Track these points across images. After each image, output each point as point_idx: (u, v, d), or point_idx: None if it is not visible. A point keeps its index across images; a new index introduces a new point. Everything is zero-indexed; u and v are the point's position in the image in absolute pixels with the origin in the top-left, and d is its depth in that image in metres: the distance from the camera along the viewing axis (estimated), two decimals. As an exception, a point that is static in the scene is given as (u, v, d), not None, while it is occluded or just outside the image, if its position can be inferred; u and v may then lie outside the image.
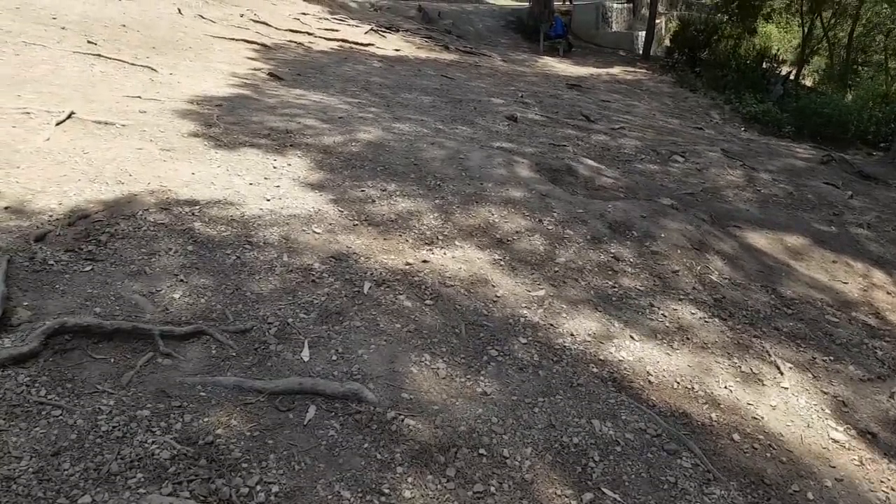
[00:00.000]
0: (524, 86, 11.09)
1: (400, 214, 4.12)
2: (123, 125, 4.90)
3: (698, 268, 4.14)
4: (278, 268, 3.27)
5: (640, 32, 18.65)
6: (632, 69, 14.66)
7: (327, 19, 14.42)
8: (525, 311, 3.27)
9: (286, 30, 12.14)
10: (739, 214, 5.51)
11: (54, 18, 7.94)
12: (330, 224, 3.85)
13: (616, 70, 14.37)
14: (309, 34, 12.35)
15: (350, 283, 3.26)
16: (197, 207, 3.72)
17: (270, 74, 7.81)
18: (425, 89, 8.69)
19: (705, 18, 14.63)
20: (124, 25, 8.67)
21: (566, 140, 7.03)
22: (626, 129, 8.31)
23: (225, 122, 5.37)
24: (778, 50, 14.91)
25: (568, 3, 18.66)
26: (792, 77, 14.38)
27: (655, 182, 6.11)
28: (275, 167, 4.56)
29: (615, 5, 19.03)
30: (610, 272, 3.86)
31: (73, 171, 3.92)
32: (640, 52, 18.22)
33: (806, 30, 15.29)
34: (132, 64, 6.92)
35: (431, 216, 4.16)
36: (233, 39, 9.91)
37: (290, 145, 5.04)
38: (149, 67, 6.93)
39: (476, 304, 3.28)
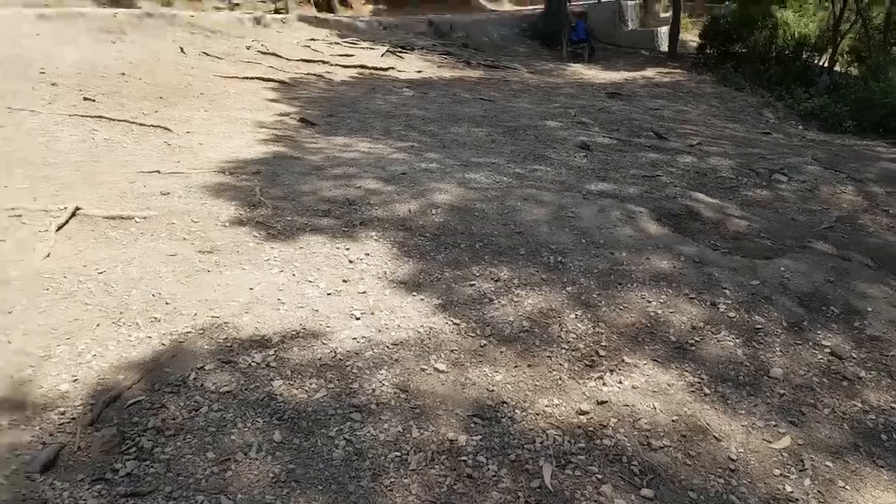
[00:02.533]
0: (565, 100, 9.93)
1: (532, 318, 2.97)
2: (145, 218, 3.77)
3: (935, 355, 2.98)
4: (411, 455, 2.12)
5: (659, 29, 17.51)
6: (665, 70, 13.48)
7: (338, 43, 13.28)
8: (788, 487, 2.11)
9: (299, 60, 11.02)
10: (904, 252, 4.34)
11: (42, 72, 6.80)
12: (452, 350, 2.71)
13: (650, 73, 13.20)
14: (324, 62, 11.22)
15: (520, 468, 2.11)
16: (271, 351, 2.58)
17: (302, 120, 6.67)
18: (472, 118, 7.54)
19: (735, 9, 13.42)
20: (123, 74, 7.54)
21: (655, 167, 5.88)
22: (703, 143, 7.15)
23: (270, 197, 4.23)
24: (812, 38, 13.70)
25: (579, 3, 17.47)
26: (835, 67, 13.19)
27: (784, 216, 4.95)
28: (351, 261, 3.42)
29: (629, 3, 17.90)
30: (844, 383, 2.69)
31: (86, 308, 2.79)
32: (661, 49, 17.07)
33: (837, 11, 14.07)
34: (141, 125, 5.79)
35: (573, 315, 3.01)
36: (246, 78, 8.78)
37: (360, 223, 3.89)
38: (161, 127, 5.80)
39: (710, 479, 2.12)
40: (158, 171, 4.61)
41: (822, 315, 3.15)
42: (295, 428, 2.20)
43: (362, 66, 11.37)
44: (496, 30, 16.88)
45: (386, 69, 11.50)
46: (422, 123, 7.14)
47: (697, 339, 2.88)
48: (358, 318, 2.89)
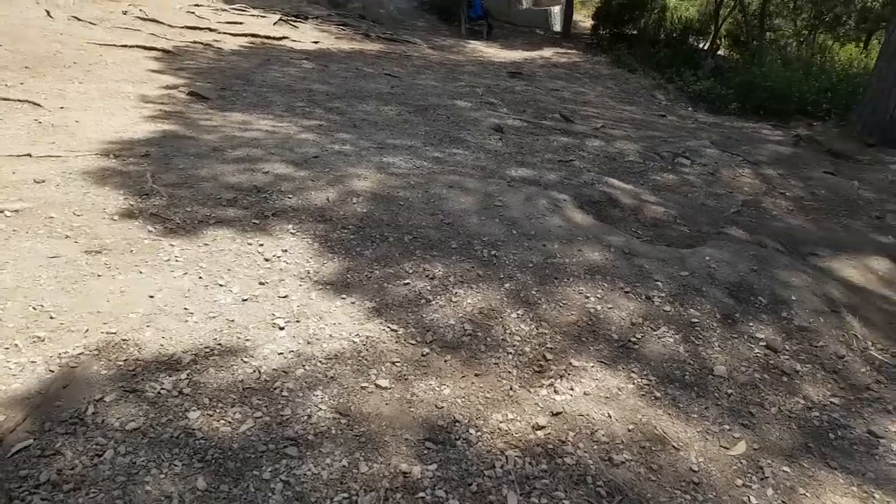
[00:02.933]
0: (469, 78, 9.75)
1: (474, 319, 2.76)
2: (17, 211, 3.17)
3: (853, 341, 3.09)
4: (361, 497, 1.85)
5: (552, 8, 17.69)
6: (562, 51, 13.62)
7: (226, 10, 12.33)
8: (752, 499, 2.05)
9: (183, 27, 10.08)
10: (803, 235, 4.55)
11: None
12: (393, 362, 2.44)
13: (547, 53, 13.27)
14: (211, 30, 10.34)
15: (483, 501, 1.90)
16: (183, 375, 2.20)
17: (192, 94, 6.02)
18: (380, 95, 7.16)
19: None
20: (-20, 38, 6.51)
21: (567, 151, 5.83)
22: (606, 126, 7.23)
23: (164, 184, 3.72)
24: (695, 21, 14.35)
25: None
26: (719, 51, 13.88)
27: (694, 200, 5.05)
28: (267, 259, 3.04)
29: (524, -19, 17.91)
30: (784, 379, 2.71)
31: (-52, 329, 2.26)
32: (555, 29, 17.29)
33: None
34: (4, 99, 4.97)
35: (514, 314, 2.83)
36: (125, 46, 7.87)
37: (273, 214, 3.50)
38: (29, 102, 5.00)
39: (676, 495, 2.02)
40: (29, 155, 3.93)
41: (751, 306, 3.17)
42: (221, 471, 1.86)
43: (253, 35, 10.61)
44: (393, 1, 16.36)
45: (279, 38, 10.80)
46: (326, 99, 6.68)
47: (639, 336, 2.79)
48: (282, 328, 2.55)
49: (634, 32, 13.93)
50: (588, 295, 3.02)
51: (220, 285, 2.78)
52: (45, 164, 3.85)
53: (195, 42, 9.09)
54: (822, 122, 10.26)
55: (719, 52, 14.86)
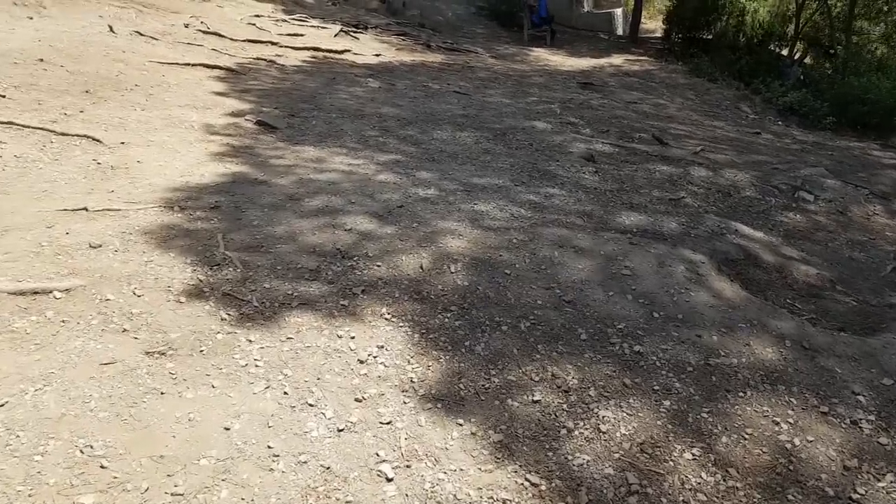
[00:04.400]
0: (539, 92, 9.01)
1: (636, 465, 2.07)
2: (67, 291, 2.64)
3: None
4: None
5: (615, 11, 16.73)
6: (632, 58, 12.71)
7: (286, 21, 11.90)
8: None
9: (244, 40, 9.64)
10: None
11: None
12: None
13: (616, 60, 12.39)
14: (273, 43, 9.89)
15: None
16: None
17: (259, 123, 5.48)
18: (452, 119, 6.51)
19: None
20: (41, 59, 6.12)
21: (674, 185, 5.06)
22: (705, 149, 6.41)
23: (238, 247, 3.15)
24: (775, 25, 13.19)
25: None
26: (804, 59, 12.72)
27: (839, 253, 4.23)
28: (361, 361, 2.42)
29: (586, -17, 17.01)
30: None
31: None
32: (620, 33, 16.33)
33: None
34: (62, 134, 4.51)
35: (687, 454, 2.13)
36: (188, 65, 7.43)
37: (362, 291, 2.88)
38: (88, 137, 4.53)
39: None
40: (86, 209, 3.43)
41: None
42: None
43: (315, 49, 10.11)
44: (451, 8, 15.70)
45: (341, 52, 10.27)
46: (398, 126, 6.06)
47: (860, 488, 2.06)
48: (390, 480, 1.92)
49: (710, 37, 12.89)
50: (776, 419, 2.30)
51: (310, 405, 2.18)
52: (102, 220, 3.33)
53: (258, 59, 8.62)
54: (928, 136, 9.18)
55: (807, 61, 13.68)
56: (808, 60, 12.64)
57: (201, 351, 2.39)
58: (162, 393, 2.17)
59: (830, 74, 10.84)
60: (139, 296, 2.69)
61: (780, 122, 9.42)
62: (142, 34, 8.36)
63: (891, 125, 9.40)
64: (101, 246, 3.05)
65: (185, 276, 2.88)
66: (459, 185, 4.44)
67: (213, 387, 2.22)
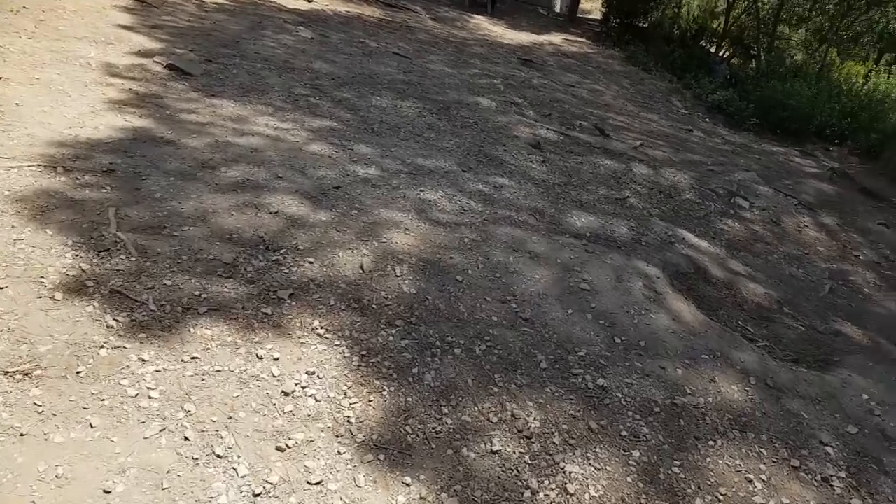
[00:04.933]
0: (481, 64, 8.56)
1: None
2: None
3: None
4: None
5: (555, -14, 16.36)
6: (570, 38, 12.40)
7: (209, -47, 10.64)
8: None
9: (159, -32, 8.49)
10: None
11: None
12: None
13: (555, 38, 12.05)
14: (192, -24, 8.78)
15: None
16: None
17: (171, 68, 4.70)
18: (393, 84, 5.95)
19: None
20: None
21: (619, 183, 4.83)
22: (644, 144, 6.25)
23: (135, 226, 2.56)
24: (707, 21, 13.30)
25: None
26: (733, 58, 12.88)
27: (778, 268, 4.14)
28: (287, 393, 1.96)
29: (529, -46, 16.44)
30: None
31: None
32: (557, 10, 16.02)
33: (730, -3, 13.73)
34: (-83, 57, 3.61)
35: (653, 514, 1.85)
36: (89, -13, 6.37)
37: (290, 295, 2.39)
38: (-47, 65, 3.66)
39: None
40: (-67, 161, 2.68)
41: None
42: None
43: (240, -14, 9.08)
44: (391, -39, 14.73)
45: (270, -7, 9.31)
46: (333, 86, 5.44)
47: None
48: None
49: (646, 26, 12.82)
50: (749, 475, 2.06)
51: (219, 456, 1.70)
52: (-41, 179, 2.62)
53: (174, -10, 7.57)
54: (837, 146, 9.57)
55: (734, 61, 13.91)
56: (734, 60, 12.86)
57: (78, 372, 1.85)
58: (22, 434, 1.62)
59: (755, 76, 11.03)
60: (1, 289, 2.08)
61: (707, 120, 9.47)
62: (34, -57, 7.10)
63: (807, 132, 9.67)
64: (-49, 213, 2.37)
65: (64, 263, 2.27)
66: (403, 165, 3.95)
67: (92, 426, 1.69)
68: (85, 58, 4.51)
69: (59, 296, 2.11)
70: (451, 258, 2.86)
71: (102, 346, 1.96)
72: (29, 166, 2.83)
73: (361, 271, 2.64)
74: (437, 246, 2.94)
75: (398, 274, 2.66)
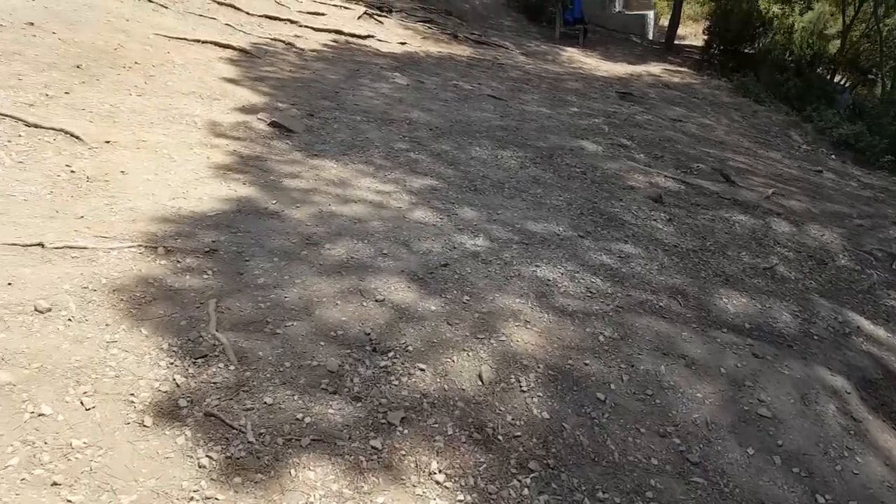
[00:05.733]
0: (578, 101, 8.07)
1: None
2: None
3: None
4: None
5: (648, 14, 15.66)
6: (670, 68, 11.68)
7: (307, -4, 10.81)
8: None
9: (262, 16, 8.63)
10: None
11: None
12: None
13: (654, 69, 11.37)
14: (292, 22, 8.88)
15: None
16: None
17: (273, 125, 4.54)
18: (490, 131, 5.58)
19: (749, 7, 11.64)
20: (32, 23, 5.13)
21: (762, 247, 4.18)
22: (776, 193, 5.51)
23: (235, 322, 2.27)
24: (826, 46, 12.15)
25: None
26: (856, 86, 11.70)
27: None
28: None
29: (621, -19, 15.89)
30: None
31: None
32: (650, 37, 15.29)
33: (849, 18, 12.56)
34: (36, 126, 3.57)
35: None
36: (197, 42, 6.44)
37: (401, 421, 2.00)
38: (66, 133, 3.59)
39: None
40: (42, 245, 2.52)
41: None
42: None
43: (337, 32, 9.11)
44: (480, -4, 14.59)
45: (365, 37, 9.27)
46: (430, 137, 5.13)
47: None
48: None
49: (752, 52, 11.88)
50: None
51: None
52: (60, 264, 2.43)
53: (275, 39, 7.62)
54: None
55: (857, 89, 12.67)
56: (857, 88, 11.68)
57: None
58: None
59: (883, 106, 9.87)
60: (88, 409, 1.81)
61: (834, 157, 8.50)
62: (150, 0, 7.33)
63: (949, 170, 8.49)
64: (50, 311, 2.16)
65: (158, 374, 1.99)
66: (512, 231, 3.53)
67: None
68: (191, 115, 4.42)
69: (148, 421, 1.82)
70: (587, 365, 2.39)
71: (192, 498, 1.62)
72: (129, 247, 2.63)
73: (480, 383, 2.22)
74: (566, 346, 2.48)
75: (524, 388, 2.22)
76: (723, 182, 5.48)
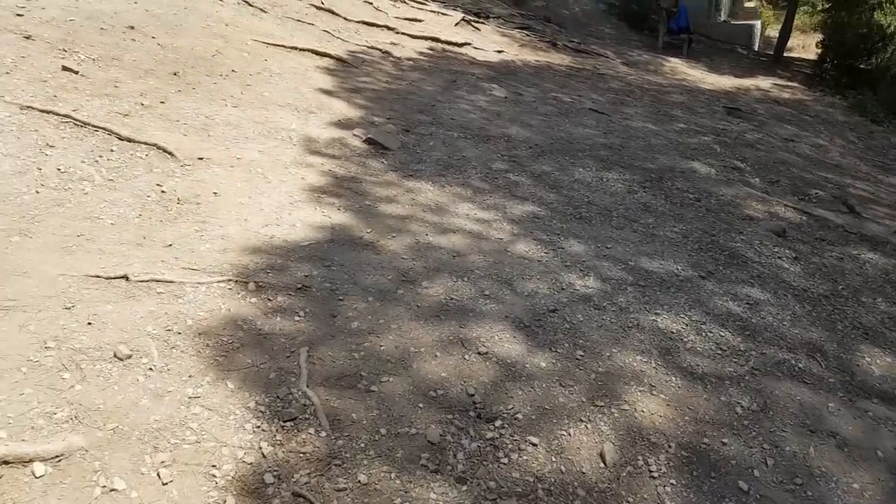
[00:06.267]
0: (684, 116, 7.48)
1: None
2: (56, 461, 1.59)
3: None
4: None
5: (755, 24, 14.59)
6: (780, 82, 10.74)
7: (405, 2, 10.69)
8: None
9: (359, 21, 8.55)
10: None
11: (20, 15, 4.50)
12: None
13: (763, 83, 10.49)
14: (389, 29, 8.75)
15: None
16: None
17: (369, 142, 4.34)
18: (594, 150, 5.18)
19: (868, 19, 10.51)
20: (132, 27, 5.15)
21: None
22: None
23: (325, 377, 2.03)
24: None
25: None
26: None
27: None
28: None
29: (724, -11, 14.90)
30: None
31: None
32: (755, 48, 14.22)
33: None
34: (128, 140, 3.51)
35: None
36: (294, 49, 6.39)
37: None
38: (159, 148, 3.51)
39: None
40: (126, 278, 2.38)
41: None
42: None
43: (434, 39, 8.91)
44: (578, 2, 14.07)
45: (461, 45, 9.03)
46: (530, 156, 4.79)
47: None
48: None
49: (869, 68, 10.75)
50: None
51: None
52: (144, 300, 2.28)
53: (371, 47, 7.50)
54: None
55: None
56: None
57: None
58: None
59: None
60: (165, 484, 1.61)
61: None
62: (250, 4, 7.34)
63: None
64: (130, 357, 2.00)
65: (243, 440, 1.78)
66: (626, 270, 3.14)
67: None
68: (287, 130, 4.29)
69: (231, 501, 1.59)
70: (725, 444, 1.99)
71: None
72: (219, 282, 2.45)
73: (603, 465, 1.87)
74: (699, 419, 2.09)
75: (654, 472, 1.86)
76: (846, 213, 4.84)
